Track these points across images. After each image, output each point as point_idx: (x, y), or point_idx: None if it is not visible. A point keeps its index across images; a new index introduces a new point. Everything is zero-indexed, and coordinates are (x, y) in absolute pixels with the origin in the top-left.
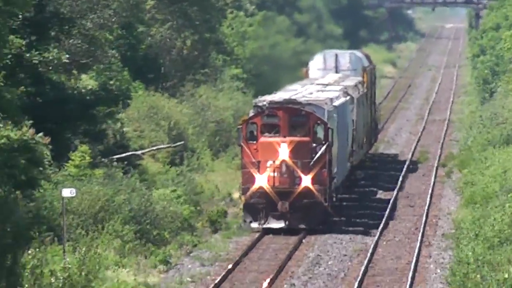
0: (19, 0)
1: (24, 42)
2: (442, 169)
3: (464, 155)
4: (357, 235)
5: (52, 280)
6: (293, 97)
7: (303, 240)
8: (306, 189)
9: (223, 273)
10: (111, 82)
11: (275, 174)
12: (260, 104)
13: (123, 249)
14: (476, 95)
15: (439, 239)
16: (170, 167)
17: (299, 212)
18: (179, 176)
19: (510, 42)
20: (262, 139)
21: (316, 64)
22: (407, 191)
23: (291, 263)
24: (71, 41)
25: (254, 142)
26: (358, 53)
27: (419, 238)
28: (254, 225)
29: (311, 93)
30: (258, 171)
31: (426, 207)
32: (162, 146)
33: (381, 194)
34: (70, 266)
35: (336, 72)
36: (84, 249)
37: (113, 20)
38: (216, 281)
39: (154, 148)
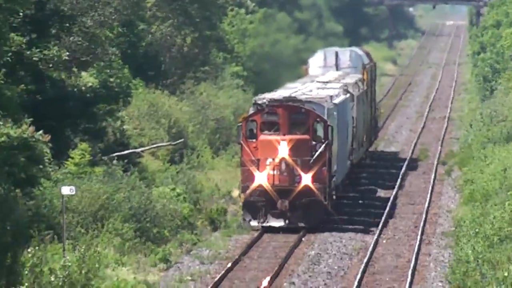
0: None
1: (24, 40)
2: (442, 167)
3: (464, 153)
4: (357, 233)
5: (52, 278)
6: (293, 95)
7: (303, 239)
8: (306, 187)
9: (223, 271)
10: (112, 80)
11: (275, 172)
12: (259, 102)
13: (123, 247)
14: (476, 93)
15: (439, 237)
16: (170, 165)
17: (298, 210)
18: (179, 174)
19: (510, 40)
20: (262, 137)
21: (316, 61)
22: (407, 189)
23: (291, 261)
24: (71, 38)
25: (254, 140)
26: (358, 50)
27: (419, 236)
28: (254, 223)
29: (311, 91)
30: (258, 169)
31: (426, 205)
32: (162, 144)
33: (381, 192)
34: (69, 264)
35: (337, 69)
36: (83, 247)
37: (114, 17)
38: (216, 280)
39: (154, 146)
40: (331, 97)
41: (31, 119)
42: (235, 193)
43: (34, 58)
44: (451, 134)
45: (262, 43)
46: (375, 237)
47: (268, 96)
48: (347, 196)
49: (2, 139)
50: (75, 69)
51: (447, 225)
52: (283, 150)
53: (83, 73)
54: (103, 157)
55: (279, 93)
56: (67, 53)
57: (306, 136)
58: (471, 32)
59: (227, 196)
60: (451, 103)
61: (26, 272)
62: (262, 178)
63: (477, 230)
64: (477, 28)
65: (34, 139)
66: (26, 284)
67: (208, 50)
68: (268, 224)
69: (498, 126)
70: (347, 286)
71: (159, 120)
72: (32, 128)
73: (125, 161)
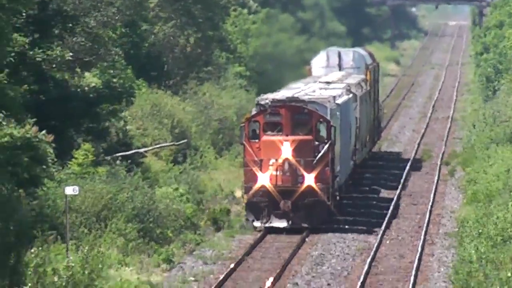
0: None
1: (27, 40)
2: (445, 167)
3: (467, 153)
4: (360, 234)
5: (55, 278)
6: (295, 95)
7: (306, 239)
8: (309, 187)
9: (226, 271)
10: (115, 80)
11: (278, 172)
12: (262, 102)
13: (126, 247)
14: (479, 93)
15: (442, 238)
16: (173, 165)
17: (301, 211)
18: (182, 174)
19: None
20: (265, 138)
21: (319, 62)
22: (410, 189)
23: (294, 262)
24: (74, 39)
25: (257, 140)
26: (361, 51)
27: (422, 236)
28: (257, 224)
29: (314, 91)
30: (261, 170)
31: (429, 206)
32: (165, 144)
33: (384, 193)
34: (73, 264)
35: (339, 70)
36: (87, 247)
37: (117, 18)
38: (219, 280)
39: (157, 146)
40: (334, 97)
41: (34, 119)
42: (238, 193)
43: (37, 59)
44: (454, 135)
45: (265, 43)
46: (379, 237)
47: (271, 96)
48: (350, 196)
49: (6, 139)
50: (78, 70)
51: (450, 225)
52: (286, 150)
53: (86, 74)
54: (106, 157)
55: (282, 94)
56: (70, 54)
57: (309, 137)
58: (474, 32)
59: (230, 196)
60: (454, 103)
61: (30, 272)
62: (265, 179)
63: (480, 230)
64: (480, 29)
65: (37, 139)
66: (30, 284)
67: (211, 50)
68: (271, 225)
69: (501, 126)
70: (351, 286)
71: (162, 120)
72: (35, 128)
73: (128, 161)
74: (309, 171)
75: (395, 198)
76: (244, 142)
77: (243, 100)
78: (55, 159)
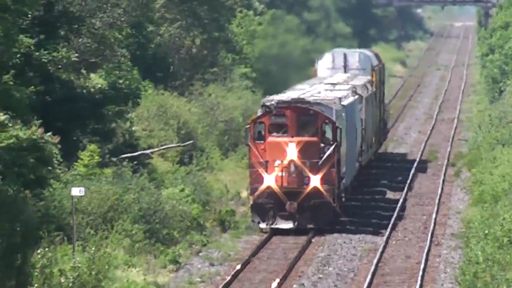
0: None
1: (33, 41)
2: (451, 169)
3: (473, 154)
4: (367, 235)
5: (62, 279)
6: (301, 97)
7: (312, 240)
8: (315, 189)
9: (233, 272)
10: (121, 81)
11: (283, 174)
12: (268, 103)
13: (133, 248)
14: (485, 94)
15: (449, 239)
16: (179, 167)
17: (307, 212)
18: (188, 175)
19: None
20: (270, 139)
21: (324, 63)
22: (416, 190)
23: (301, 263)
24: (80, 40)
25: (262, 142)
26: (367, 52)
27: (429, 237)
28: (263, 225)
29: (319, 93)
30: (266, 171)
31: (435, 207)
32: (171, 145)
33: (390, 194)
34: (79, 265)
35: (345, 71)
36: (93, 248)
37: (123, 19)
38: (226, 281)
39: (163, 147)
40: (339, 99)
41: (40, 120)
42: (244, 194)
43: (43, 60)
44: (460, 136)
45: (271, 45)
46: (385, 238)
47: (277, 97)
48: (356, 197)
49: (12, 140)
50: (84, 71)
51: (456, 226)
52: (292, 152)
53: (92, 75)
54: (112, 158)
55: (287, 95)
56: (76, 55)
57: (314, 138)
58: (480, 33)
59: (236, 198)
60: (460, 104)
61: (36, 273)
62: (270, 180)
63: (486, 231)
64: (485, 30)
65: (43, 140)
66: (36, 285)
67: (217, 51)
68: (276, 226)
69: (507, 127)
70: (357, 287)
71: (168, 121)
72: (41, 130)
73: (135, 162)
74: (314, 172)
75: (401, 199)
76: (249, 144)
77: (249, 101)
78: (61, 160)
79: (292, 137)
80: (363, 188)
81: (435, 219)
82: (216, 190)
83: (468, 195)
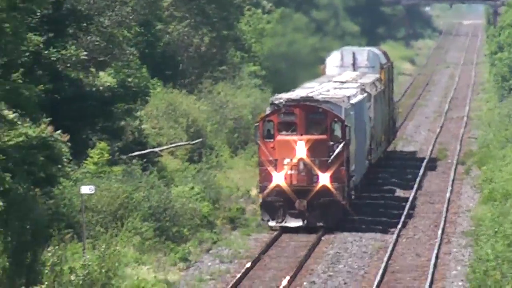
0: None
1: (42, 40)
2: (461, 167)
3: (483, 152)
4: (377, 233)
5: (72, 277)
6: (310, 95)
7: (322, 238)
8: (324, 187)
9: (243, 270)
10: (130, 79)
11: (293, 172)
12: (276, 101)
13: (143, 246)
14: (494, 92)
15: (459, 236)
16: (189, 164)
17: (317, 210)
18: (198, 173)
19: None
20: (279, 137)
21: (333, 61)
22: (426, 188)
23: (311, 260)
24: (89, 38)
25: (271, 140)
26: (375, 50)
27: (439, 235)
28: (272, 223)
29: (328, 91)
30: (276, 169)
31: (445, 205)
32: (180, 143)
33: (400, 192)
34: (89, 263)
35: (354, 69)
36: (103, 246)
37: (131, 17)
38: (236, 279)
39: (173, 145)
40: (348, 97)
41: (49, 118)
42: (254, 192)
43: (52, 58)
44: (469, 134)
45: (279, 43)
46: (395, 236)
47: (285, 96)
48: (366, 195)
49: (21, 138)
50: (92, 69)
51: (466, 224)
52: (301, 150)
53: (101, 73)
54: (121, 156)
55: (296, 93)
56: (85, 53)
57: (323, 136)
58: (488, 31)
59: (246, 195)
60: (469, 102)
61: (46, 271)
62: (280, 178)
63: (496, 229)
64: (494, 28)
65: (52, 139)
66: (46, 283)
67: (226, 49)
68: (286, 225)
69: None
70: (367, 285)
71: (177, 119)
72: (50, 128)
73: (144, 160)
74: (324, 170)
75: (411, 197)
76: (258, 142)
77: (258, 99)
78: (71, 158)
79: (301, 135)
80: (372, 186)
81: (445, 217)
82: (225, 188)
83: (478, 193)
